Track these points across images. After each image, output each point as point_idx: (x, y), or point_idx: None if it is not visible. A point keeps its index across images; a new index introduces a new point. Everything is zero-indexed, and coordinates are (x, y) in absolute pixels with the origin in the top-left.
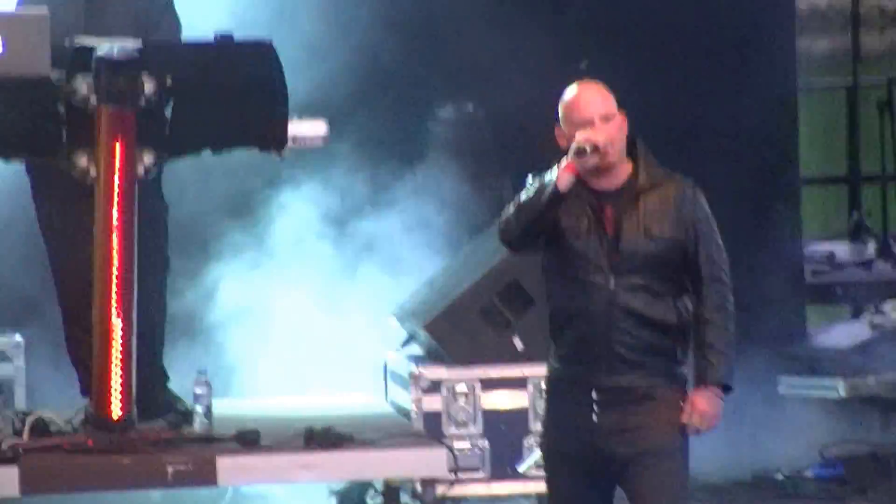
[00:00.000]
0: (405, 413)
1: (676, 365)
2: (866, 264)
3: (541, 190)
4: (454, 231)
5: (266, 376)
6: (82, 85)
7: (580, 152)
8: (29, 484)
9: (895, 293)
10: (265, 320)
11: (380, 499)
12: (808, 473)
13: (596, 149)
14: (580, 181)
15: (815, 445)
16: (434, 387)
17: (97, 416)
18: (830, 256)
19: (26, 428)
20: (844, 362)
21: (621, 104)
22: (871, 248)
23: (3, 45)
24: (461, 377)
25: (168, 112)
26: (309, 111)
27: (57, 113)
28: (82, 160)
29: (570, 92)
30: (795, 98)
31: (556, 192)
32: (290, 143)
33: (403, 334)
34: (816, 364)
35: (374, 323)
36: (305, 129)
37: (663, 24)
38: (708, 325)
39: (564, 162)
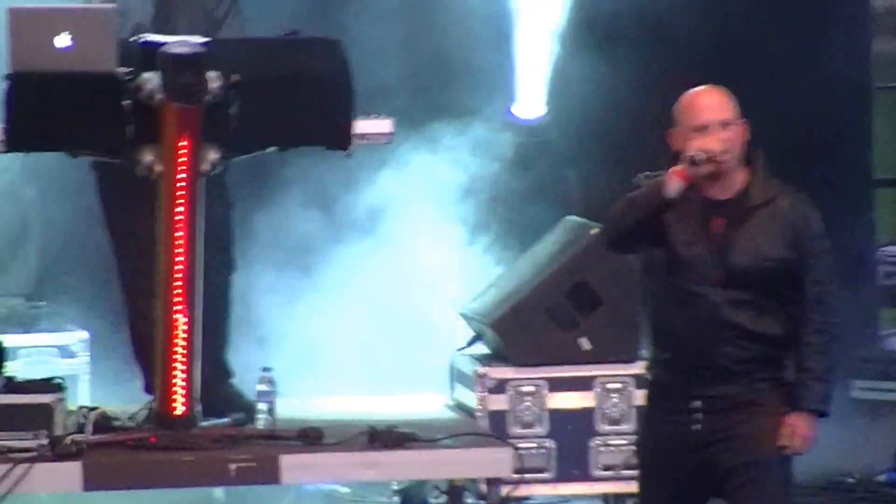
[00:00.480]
0: (470, 413)
1: (783, 371)
2: None
3: (649, 193)
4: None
5: (331, 375)
6: (149, 81)
7: (694, 162)
8: (92, 479)
9: None
10: (331, 319)
11: (444, 498)
12: (881, 478)
13: (710, 158)
14: (692, 186)
15: (888, 450)
16: (500, 387)
17: (160, 413)
18: None
19: (89, 423)
20: None
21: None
22: None
23: (72, 40)
24: (527, 377)
25: (234, 109)
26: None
27: (123, 109)
28: (148, 157)
29: (689, 94)
30: (870, 98)
31: (663, 197)
32: (356, 141)
33: (470, 334)
34: (890, 367)
35: (441, 322)
36: (371, 126)
37: (736, 23)
38: (808, 348)
39: (677, 167)
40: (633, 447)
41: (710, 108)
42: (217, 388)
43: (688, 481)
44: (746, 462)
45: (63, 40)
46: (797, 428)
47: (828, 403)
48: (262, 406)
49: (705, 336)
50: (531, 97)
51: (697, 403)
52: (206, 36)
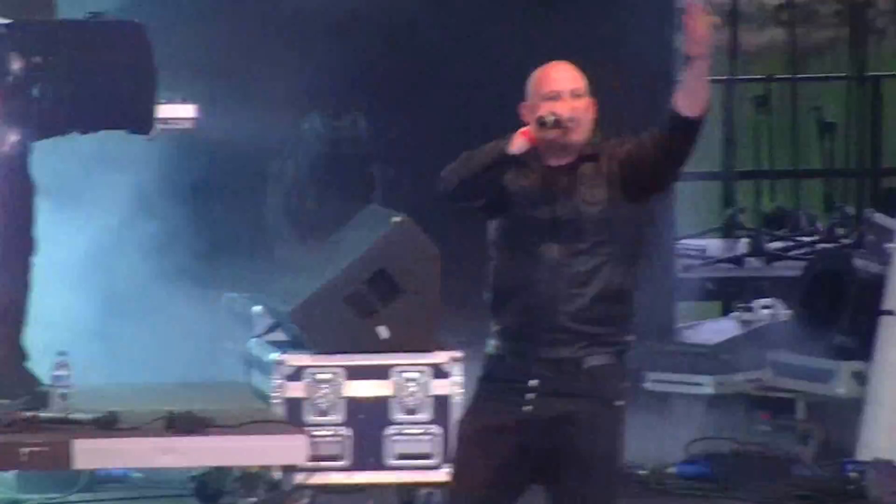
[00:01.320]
0: (267, 400)
1: (625, 335)
2: (738, 260)
3: (494, 147)
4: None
5: (128, 361)
6: None
7: (542, 123)
8: None
9: (766, 290)
10: (129, 305)
11: (238, 486)
12: (673, 470)
13: (558, 122)
14: (538, 159)
15: (680, 442)
16: (297, 374)
17: None
18: (702, 251)
19: None
20: (712, 359)
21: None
22: (743, 244)
23: None
24: (324, 365)
25: (36, 91)
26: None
27: None
28: None
29: (542, 67)
30: (671, 94)
31: (505, 151)
32: (158, 126)
33: (269, 320)
34: (683, 360)
35: (240, 309)
36: (175, 111)
37: (541, 8)
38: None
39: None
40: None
41: (561, 78)
42: (11, 371)
43: (510, 465)
44: (574, 453)
45: None
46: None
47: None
48: (56, 390)
49: (546, 294)
50: None
51: (533, 382)
52: (7, 17)
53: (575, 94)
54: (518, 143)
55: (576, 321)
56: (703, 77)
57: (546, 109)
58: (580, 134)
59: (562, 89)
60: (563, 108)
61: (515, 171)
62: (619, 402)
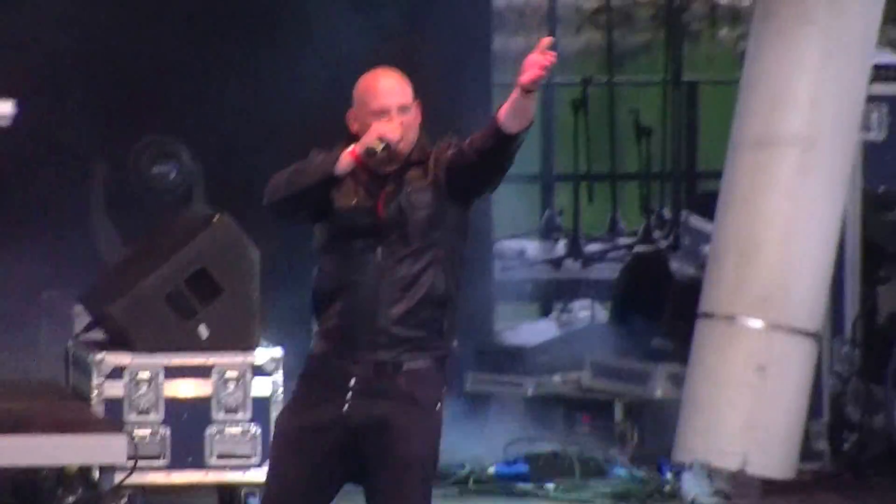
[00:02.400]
0: (86, 399)
1: (444, 340)
2: (556, 262)
3: (319, 166)
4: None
5: None
6: None
7: (372, 153)
8: None
9: (584, 292)
10: None
11: (57, 486)
12: (491, 470)
13: (388, 147)
14: (364, 169)
15: (499, 442)
16: (117, 373)
17: None
18: (521, 253)
19: None
20: (531, 360)
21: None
22: (561, 246)
23: None
24: (144, 364)
25: None
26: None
27: None
28: None
29: (369, 76)
30: (489, 96)
31: (331, 172)
32: None
33: (87, 318)
34: (502, 360)
35: (59, 307)
36: None
37: (362, 8)
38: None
39: (352, 147)
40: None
41: (390, 92)
42: None
43: (326, 464)
44: (389, 454)
45: None
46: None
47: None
48: None
49: (368, 297)
50: None
51: (352, 382)
52: None
53: (402, 109)
54: (345, 165)
55: (397, 325)
56: (531, 104)
57: (375, 133)
58: (406, 145)
59: (390, 105)
60: (392, 130)
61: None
62: (436, 407)
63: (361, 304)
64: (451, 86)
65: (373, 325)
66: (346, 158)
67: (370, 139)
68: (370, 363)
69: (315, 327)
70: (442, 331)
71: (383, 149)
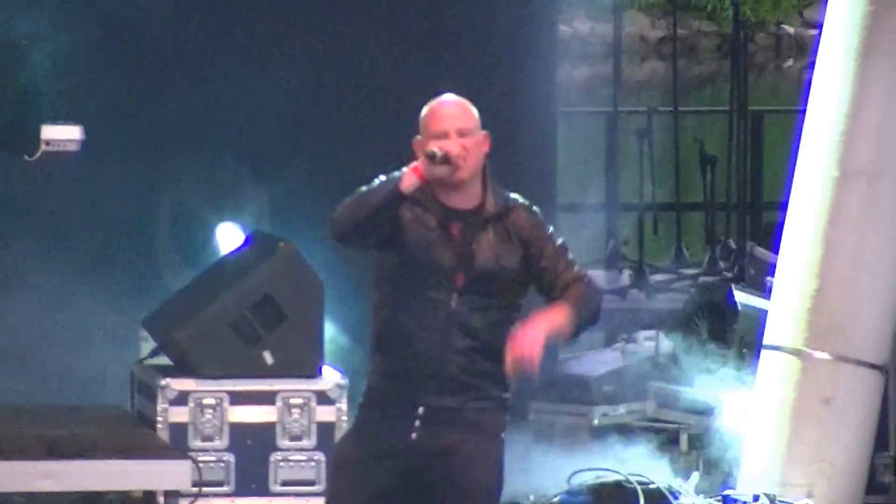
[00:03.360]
0: (151, 424)
1: (508, 392)
2: (621, 292)
3: (385, 186)
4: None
5: (10, 383)
6: None
7: (430, 157)
8: None
9: (648, 322)
10: (8, 325)
11: None
12: (556, 500)
13: (447, 158)
14: (433, 197)
15: (563, 473)
16: (181, 398)
17: None
18: None
19: None
20: (596, 390)
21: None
22: (626, 276)
23: None
24: (209, 390)
25: None
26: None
27: None
28: None
29: (434, 103)
30: (555, 125)
31: (396, 190)
32: (42, 147)
33: (152, 344)
34: (568, 390)
35: (124, 332)
36: (59, 133)
37: (429, 39)
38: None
39: (414, 164)
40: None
41: (450, 116)
42: None
43: (388, 492)
44: (456, 483)
45: None
46: (527, 332)
47: (573, 327)
48: None
49: (438, 342)
50: None
51: (420, 411)
52: None
53: (461, 133)
54: (410, 181)
55: (465, 373)
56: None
57: (435, 145)
58: (468, 170)
59: (448, 128)
60: (452, 146)
61: (410, 206)
62: (500, 435)
63: (429, 348)
64: (516, 114)
65: (440, 371)
66: (409, 174)
67: (429, 147)
68: (433, 407)
69: (376, 362)
70: (501, 382)
71: (442, 158)
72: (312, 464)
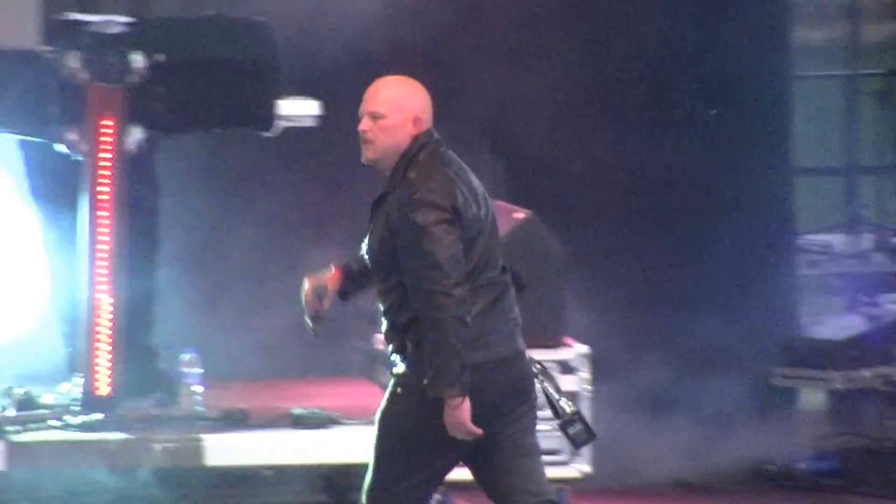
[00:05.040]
0: None
1: (413, 364)
2: (862, 256)
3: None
4: None
5: (255, 359)
6: (72, 60)
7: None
8: (16, 458)
9: (891, 285)
10: (259, 301)
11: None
12: (802, 466)
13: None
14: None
15: (809, 438)
16: None
17: (85, 393)
18: (826, 247)
19: (13, 402)
20: (839, 354)
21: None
22: (867, 239)
23: None
24: None
25: (160, 90)
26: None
27: (48, 88)
28: (73, 136)
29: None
30: (791, 88)
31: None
32: (280, 123)
33: None
34: (811, 356)
35: (365, 305)
36: (296, 108)
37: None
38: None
39: None
40: None
41: (367, 97)
42: (142, 369)
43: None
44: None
45: None
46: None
47: (441, 385)
48: (186, 387)
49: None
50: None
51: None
52: (130, 15)
53: (374, 117)
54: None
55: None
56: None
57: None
58: (372, 152)
59: (363, 109)
60: (361, 125)
61: None
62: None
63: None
64: (751, 79)
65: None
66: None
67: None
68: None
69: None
70: (408, 353)
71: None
72: (558, 433)
